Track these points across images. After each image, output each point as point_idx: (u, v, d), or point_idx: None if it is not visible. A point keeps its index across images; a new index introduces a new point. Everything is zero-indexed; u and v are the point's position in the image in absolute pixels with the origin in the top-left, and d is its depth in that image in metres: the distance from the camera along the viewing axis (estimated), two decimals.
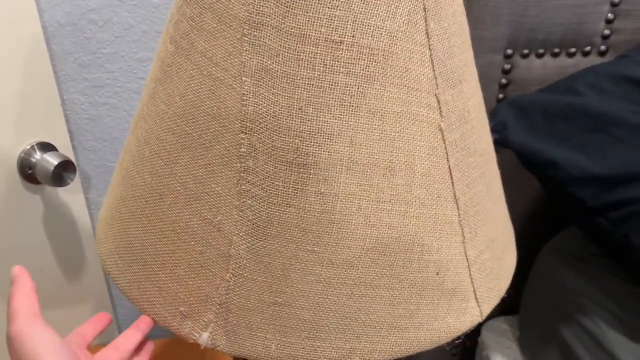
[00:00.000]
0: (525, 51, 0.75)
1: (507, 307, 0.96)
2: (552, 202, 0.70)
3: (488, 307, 0.44)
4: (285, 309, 0.38)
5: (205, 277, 0.39)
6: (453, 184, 0.40)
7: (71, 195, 0.75)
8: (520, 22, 0.72)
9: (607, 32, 0.75)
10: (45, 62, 0.67)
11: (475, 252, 0.42)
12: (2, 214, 0.68)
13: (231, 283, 0.38)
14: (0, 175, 0.67)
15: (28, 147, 0.68)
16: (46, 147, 0.69)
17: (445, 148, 0.39)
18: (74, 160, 0.69)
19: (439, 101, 0.39)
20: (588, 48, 0.76)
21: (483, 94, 0.46)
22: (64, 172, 0.66)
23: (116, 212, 0.45)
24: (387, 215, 0.38)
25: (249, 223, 0.37)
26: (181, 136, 0.39)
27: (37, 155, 0.67)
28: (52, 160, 0.66)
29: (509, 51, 0.75)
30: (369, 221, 0.37)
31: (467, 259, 0.42)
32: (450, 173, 0.40)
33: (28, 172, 0.67)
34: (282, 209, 0.37)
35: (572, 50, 0.76)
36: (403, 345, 0.39)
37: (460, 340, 0.42)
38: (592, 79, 0.67)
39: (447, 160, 0.40)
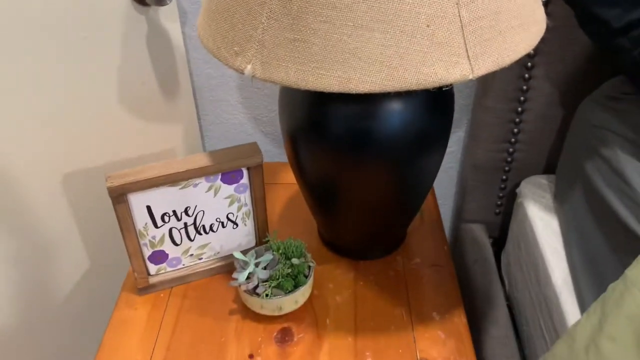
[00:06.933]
0: None
1: (550, 168, 0.98)
2: (582, 26, 0.71)
3: (482, 69, 0.51)
4: (301, 44, 0.50)
5: (250, 22, 0.52)
6: None
7: (170, 23, 0.91)
8: None
9: None
10: None
11: (470, 16, 0.49)
12: (115, 30, 0.84)
13: (265, 25, 0.51)
14: None
15: None
16: None
17: None
18: None
19: None
20: None
21: None
22: None
23: None
24: None
25: None
26: None
27: None
28: None
29: None
30: None
31: (460, 19, 0.49)
32: None
33: None
34: None
35: None
36: (392, 81, 0.49)
37: (448, 87, 0.49)
38: None
39: None
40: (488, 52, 0.51)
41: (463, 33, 0.49)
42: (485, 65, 0.51)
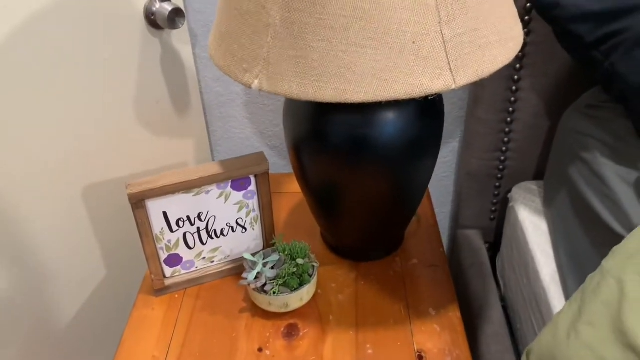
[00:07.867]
0: None
1: (539, 175, 1.04)
2: (560, 42, 0.77)
3: (463, 80, 0.57)
4: (302, 61, 0.56)
5: (257, 42, 0.59)
6: None
7: (182, 45, 0.99)
8: None
9: None
10: None
11: (451, 33, 0.56)
12: (132, 51, 0.92)
13: (270, 44, 0.58)
14: (131, 20, 0.90)
15: None
16: None
17: None
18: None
19: None
20: None
21: None
22: (176, 17, 0.89)
23: (217, 10, 0.67)
24: None
25: (281, 1, 0.56)
26: None
27: (157, 5, 0.90)
28: (167, 7, 0.89)
29: None
30: None
31: (442, 36, 0.55)
32: None
33: (151, 17, 0.91)
34: None
35: None
36: (383, 91, 0.55)
37: (434, 96, 0.55)
38: None
39: None
40: (468, 64, 0.57)
41: (445, 48, 0.56)
42: (466, 76, 0.57)
